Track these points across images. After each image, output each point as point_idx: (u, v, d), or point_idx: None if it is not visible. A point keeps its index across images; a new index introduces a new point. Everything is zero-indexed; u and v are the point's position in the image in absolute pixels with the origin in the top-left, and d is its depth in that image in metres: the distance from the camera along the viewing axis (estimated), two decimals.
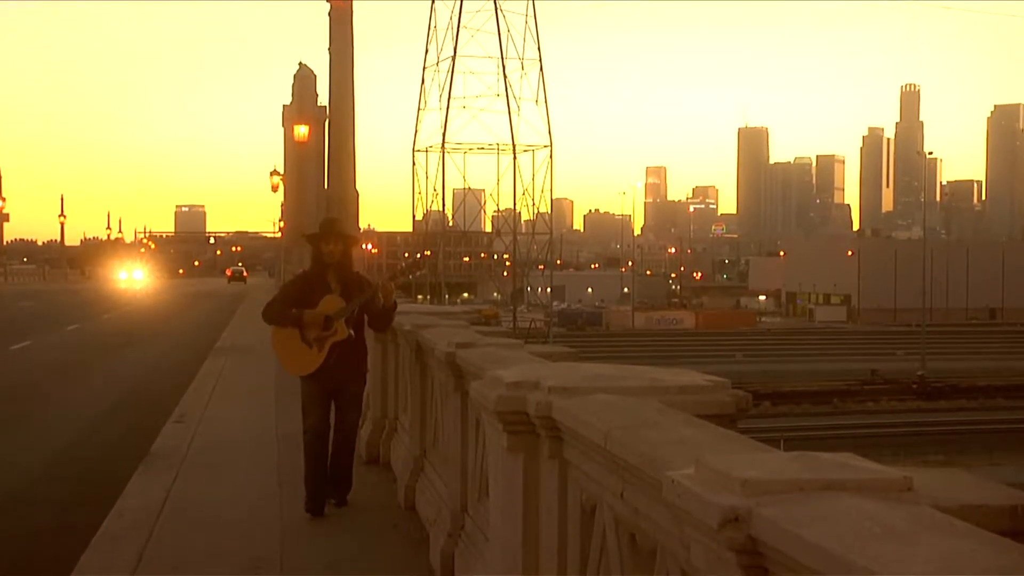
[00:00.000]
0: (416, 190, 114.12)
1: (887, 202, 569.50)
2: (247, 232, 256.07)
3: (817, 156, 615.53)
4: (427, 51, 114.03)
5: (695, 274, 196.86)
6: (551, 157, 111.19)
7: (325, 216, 12.37)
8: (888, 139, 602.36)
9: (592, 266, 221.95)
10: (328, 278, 8.63)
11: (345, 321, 8.47)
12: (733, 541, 2.43)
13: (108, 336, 31.87)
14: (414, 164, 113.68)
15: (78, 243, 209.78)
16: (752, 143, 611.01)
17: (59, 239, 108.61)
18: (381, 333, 10.27)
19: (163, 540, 7.86)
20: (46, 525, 9.57)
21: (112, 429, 15.00)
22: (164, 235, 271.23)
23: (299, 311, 8.49)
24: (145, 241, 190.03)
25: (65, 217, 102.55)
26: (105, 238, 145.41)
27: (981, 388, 60.81)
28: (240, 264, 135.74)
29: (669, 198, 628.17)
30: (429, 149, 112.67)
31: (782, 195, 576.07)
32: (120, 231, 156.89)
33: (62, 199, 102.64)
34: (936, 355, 67.76)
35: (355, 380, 8.81)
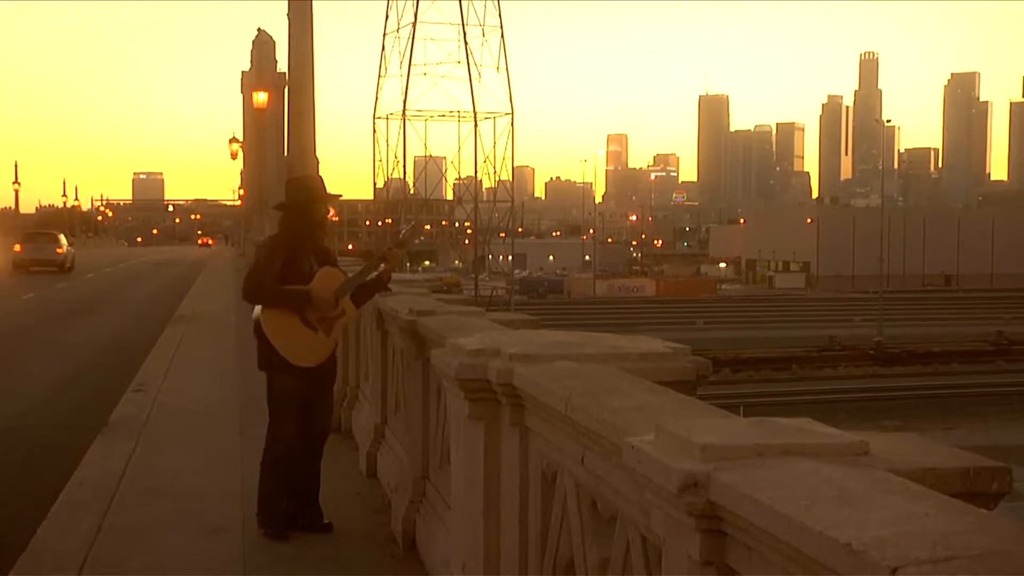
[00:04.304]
0: (377, 157, 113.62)
1: (846, 170, 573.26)
2: (206, 200, 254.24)
3: (777, 124, 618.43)
4: (387, 17, 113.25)
5: (656, 242, 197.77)
6: (512, 124, 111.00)
7: (303, 173, 9.70)
8: (847, 107, 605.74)
9: (553, 234, 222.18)
10: (307, 249, 7.17)
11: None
12: (692, 506, 2.46)
13: (65, 304, 31.54)
14: (375, 131, 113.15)
15: (33, 211, 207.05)
16: (713, 111, 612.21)
17: (14, 206, 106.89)
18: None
19: (123, 508, 7.83)
20: (3, 494, 9.49)
21: (70, 398, 14.86)
22: (121, 203, 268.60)
23: (304, 287, 6.97)
24: (102, 209, 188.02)
25: (19, 184, 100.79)
26: (61, 206, 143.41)
27: (936, 354, 61.62)
28: (199, 232, 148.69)
29: (630, 166, 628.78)
30: (390, 116, 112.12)
31: (742, 163, 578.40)
32: (77, 199, 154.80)
33: (16, 166, 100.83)
34: (893, 321, 68.58)
35: (336, 374, 7.53)
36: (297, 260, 7.02)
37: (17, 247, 51.23)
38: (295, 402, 7.04)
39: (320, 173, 13.68)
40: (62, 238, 53.56)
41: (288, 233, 7.19)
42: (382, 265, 7.22)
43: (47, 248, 50.82)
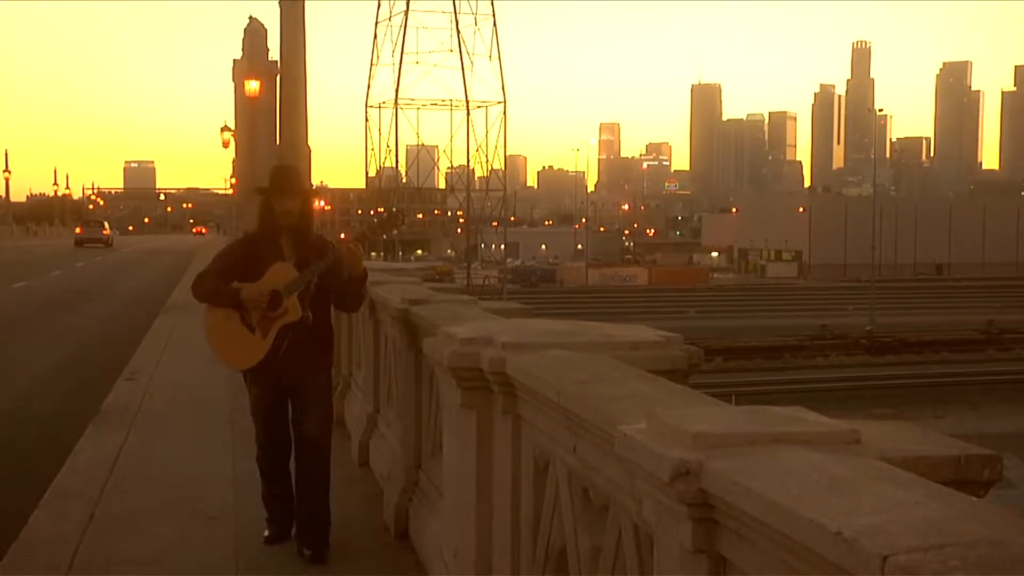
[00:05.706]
0: (369, 146, 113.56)
1: (838, 159, 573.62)
2: (198, 188, 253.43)
3: (769, 113, 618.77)
4: (379, 6, 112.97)
5: (648, 231, 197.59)
6: (504, 113, 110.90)
7: (277, 164, 9.26)
8: (839, 96, 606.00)
9: (546, 223, 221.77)
10: (281, 243, 6.64)
11: (299, 297, 6.47)
12: (684, 494, 2.46)
13: (57, 292, 31.46)
14: (367, 120, 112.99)
15: (24, 199, 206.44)
16: (705, 100, 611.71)
17: (4, 195, 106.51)
18: (352, 313, 8.89)
19: (115, 496, 7.83)
20: None
21: (62, 386, 14.85)
22: (113, 191, 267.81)
23: (237, 286, 6.47)
24: (94, 197, 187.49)
25: (10, 173, 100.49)
26: (52, 194, 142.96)
27: (927, 343, 61.70)
28: (191, 221, 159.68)
29: (623, 155, 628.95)
30: (382, 105, 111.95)
31: (735, 152, 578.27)
32: (68, 187, 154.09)
33: (6, 154, 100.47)
34: (885, 310, 68.67)
35: (314, 376, 6.69)
36: (258, 256, 6.61)
37: (78, 229, 78.83)
38: (263, 406, 6.76)
39: (303, 163, 13.37)
40: (106, 224, 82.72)
41: (260, 226, 6.84)
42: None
43: (97, 231, 76.58)
